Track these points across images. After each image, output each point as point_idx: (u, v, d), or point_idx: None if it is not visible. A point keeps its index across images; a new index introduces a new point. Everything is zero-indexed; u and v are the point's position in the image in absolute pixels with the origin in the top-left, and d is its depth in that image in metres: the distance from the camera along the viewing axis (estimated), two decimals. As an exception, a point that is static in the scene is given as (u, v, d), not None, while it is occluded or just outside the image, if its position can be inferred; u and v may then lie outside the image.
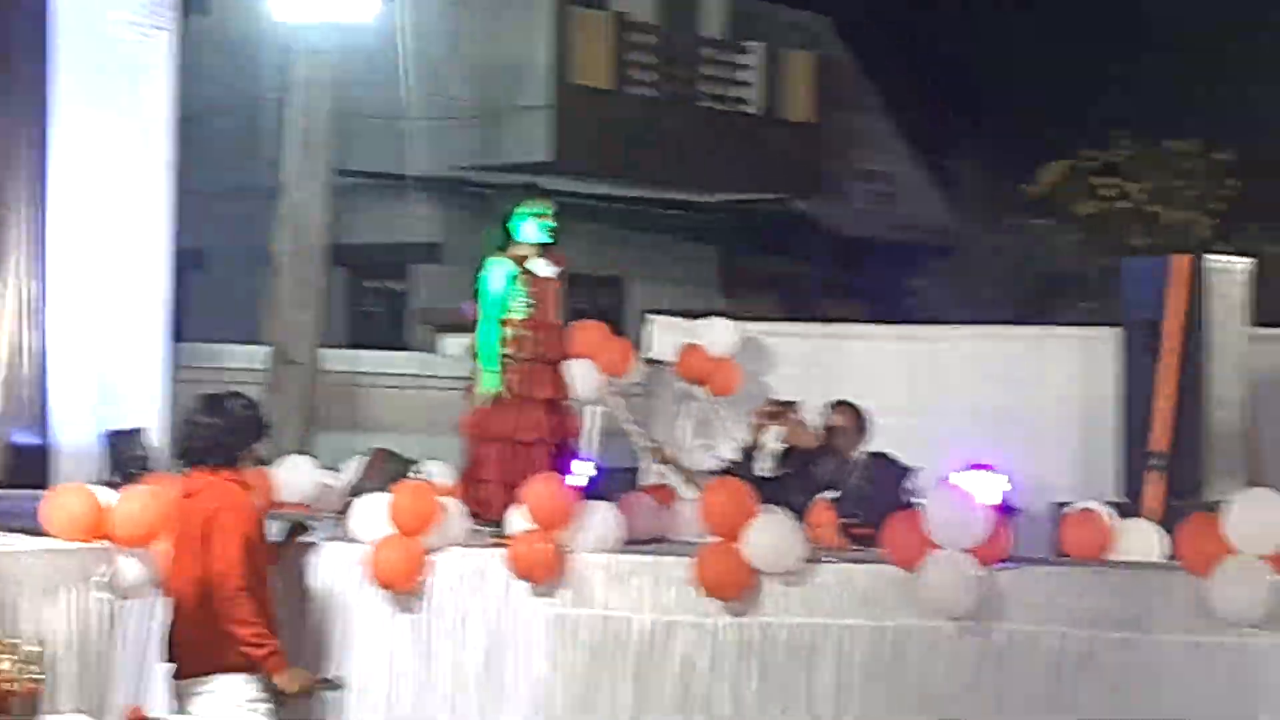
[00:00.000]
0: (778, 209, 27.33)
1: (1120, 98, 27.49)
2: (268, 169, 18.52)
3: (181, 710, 9.09)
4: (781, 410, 12.25)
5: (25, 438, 12.40)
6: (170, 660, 9.18)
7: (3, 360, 12.30)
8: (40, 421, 12.44)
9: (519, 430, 10.57)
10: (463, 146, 23.76)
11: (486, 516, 10.24)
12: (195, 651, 9.08)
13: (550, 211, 11.22)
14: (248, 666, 8.94)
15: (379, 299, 24.85)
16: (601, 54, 24.90)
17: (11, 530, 9.74)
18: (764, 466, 12.07)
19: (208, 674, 8.99)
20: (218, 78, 20.80)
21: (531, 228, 11.08)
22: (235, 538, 8.98)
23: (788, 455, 12.08)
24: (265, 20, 17.22)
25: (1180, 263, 13.39)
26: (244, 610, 8.93)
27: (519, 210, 11.26)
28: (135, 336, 12.86)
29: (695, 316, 14.84)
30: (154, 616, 9.91)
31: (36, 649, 8.58)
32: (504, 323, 10.77)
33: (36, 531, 9.69)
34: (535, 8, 24.65)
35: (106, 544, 9.67)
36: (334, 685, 9.55)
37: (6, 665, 8.13)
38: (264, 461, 9.93)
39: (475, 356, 10.87)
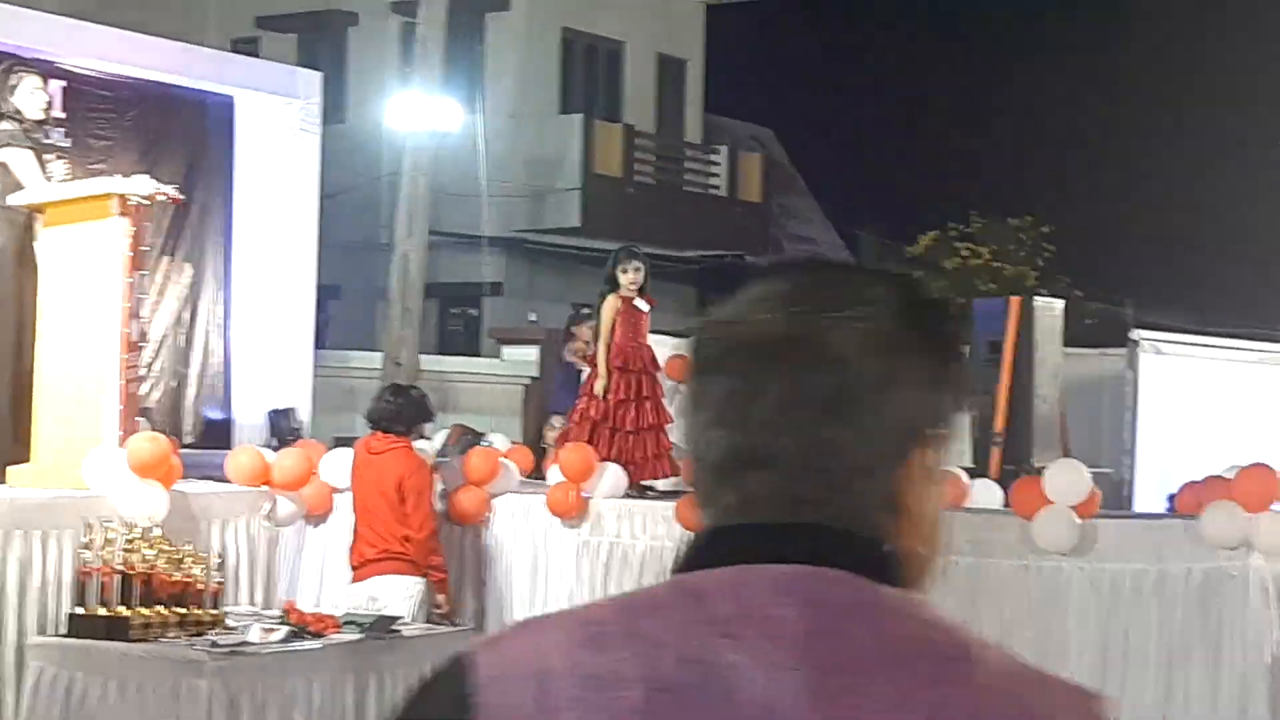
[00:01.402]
0: (736, 262, 27.33)
1: (976, 184, 27.52)
2: (383, 230, 18.50)
3: (371, 599, 8.90)
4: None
5: (214, 414, 12.39)
6: (359, 565, 9.05)
7: (200, 359, 12.30)
8: (225, 402, 12.42)
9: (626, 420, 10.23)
10: (518, 215, 23.77)
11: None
12: (376, 561, 9.00)
13: (646, 264, 10.54)
14: (417, 574, 8.89)
15: (459, 320, 24.81)
16: (615, 152, 24.88)
17: (204, 478, 9.74)
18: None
19: (382, 575, 8.92)
20: (350, 166, 20.77)
21: (624, 278, 10.38)
22: (426, 498, 9.00)
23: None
24: (382, 126, 17.23)
25: (1015, 302, 13.39)
26: (433, 547, 8.98)
27: (621, 262, 10.44)
28: (291, 345, 12.83)
29: (679, 335, 14.78)
30: (302, 539, 9.93)
31: (219, 560, 8.56)
32: (610, 344, 10.30)
33: (221, 479, 9.69)
34: (570, 120, 24.70)
35: (268, 488, 9.66)
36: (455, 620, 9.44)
37: (199, 571, 8.10)
38: (427, 437, 9.76)
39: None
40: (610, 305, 10.35)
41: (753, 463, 1.57)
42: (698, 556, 1.59)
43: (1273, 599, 8.29)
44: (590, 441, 10.06)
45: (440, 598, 8.97)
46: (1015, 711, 1.55)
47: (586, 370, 12.35)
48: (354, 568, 9.06)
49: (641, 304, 10.38)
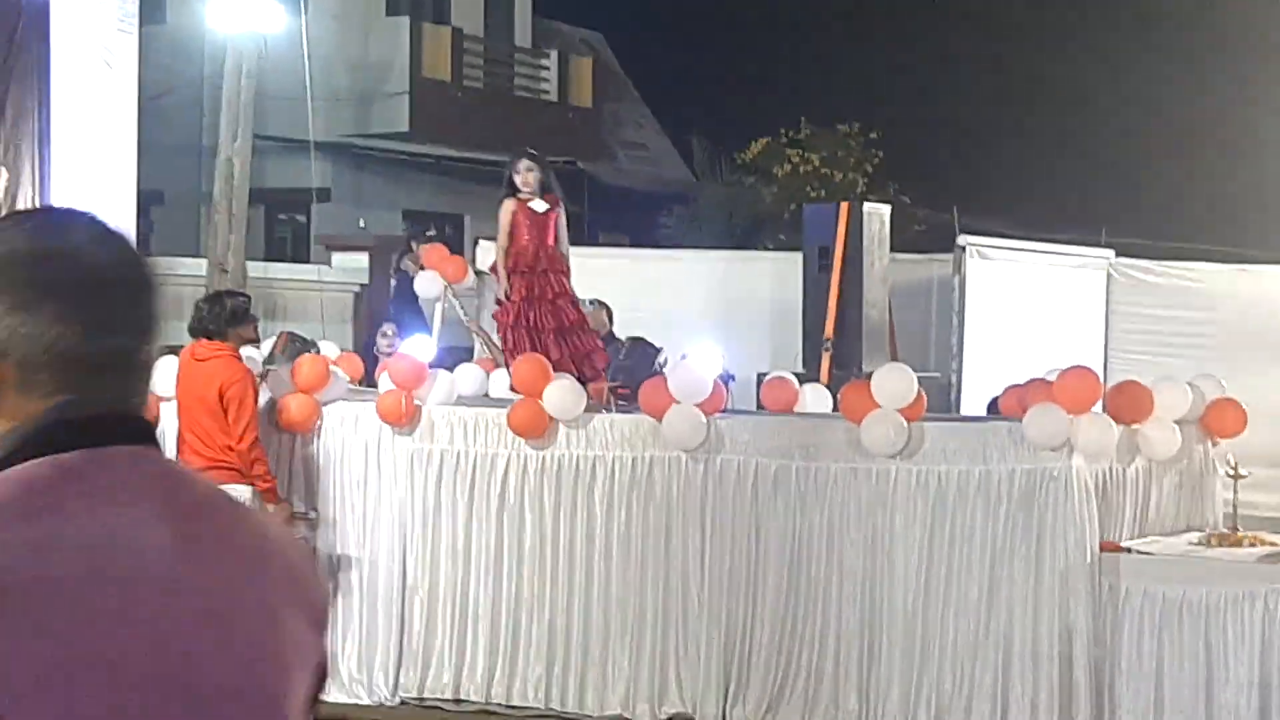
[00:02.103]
0: (568, 169, 27.22)
1: (803, 90, 27.64)
2: (206, 133, 18.14)
3: None
4: (597, 309, 11.96)
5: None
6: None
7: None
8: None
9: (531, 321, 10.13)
10: (346, 119, 23.48)
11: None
12: (203, 470, 8.87)
13: (542, 164, 10.42)
14: (243, 482, 8.82)
15: (287, 227, 24.49)
16: (443, 56, 24.65)
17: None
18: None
19: (229, 483, 8.65)
20: (171, 68, 20.33)
21: (519, 179, 10.28)
22: (248, 406, 8.90)
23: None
24: (204, 27, 16.87)
25: (844, 208, 13.47)
26: (256, 456, 8.89)
27: (510, 167, 10.36)
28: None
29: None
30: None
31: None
32: (509, 248, 10.21)
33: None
34: (397, 22, 24.40)
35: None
36: (306, 516, 9.41)
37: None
38: (251, 341, 9.60)
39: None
40: (505, 209, 10.28)
41: (115, 363, 1.98)
42: (57, 440, 1.92)
43: (1092, 498, 8.51)
44: (513, 345, 10.01)
45: (270, 507, 8.89)
46: (263, 531, 2.10)
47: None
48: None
49: (539, 205, 10.30)
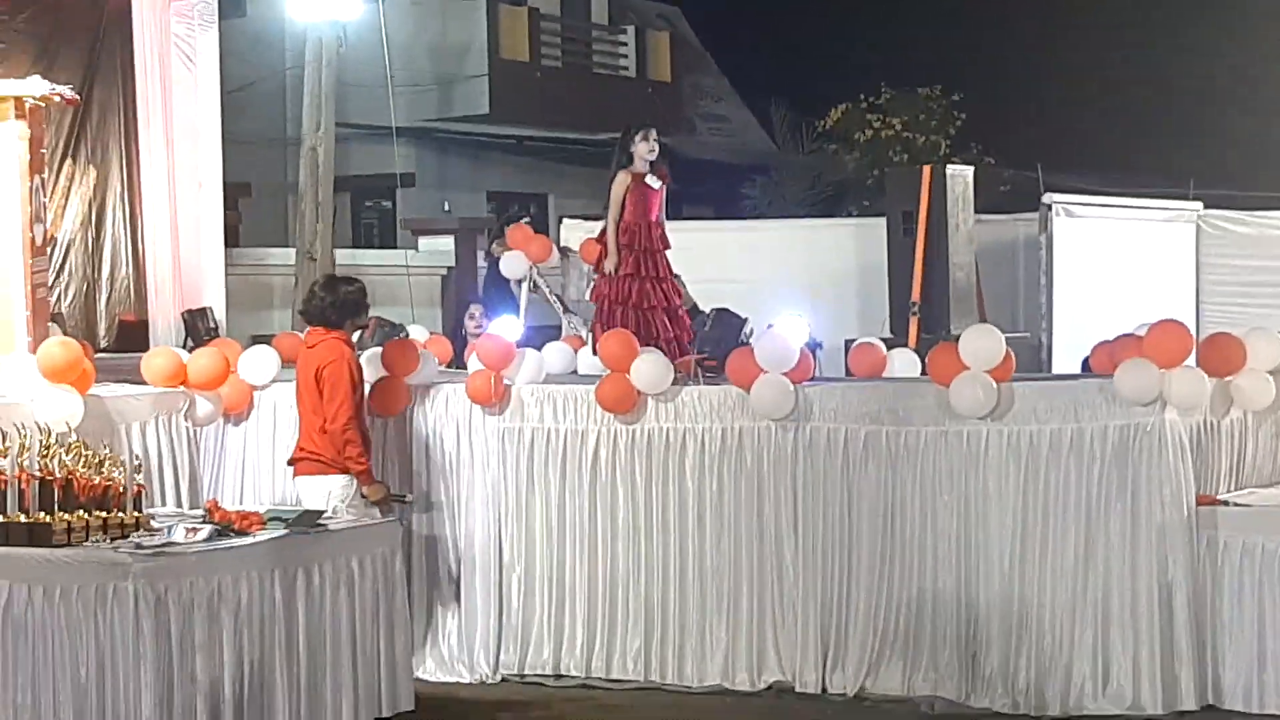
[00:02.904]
0: (627, 135, 27.21)
1: (882, 55, 27.48)
2: (291, 124, 18.30)
3: (298, 499, 8.97)
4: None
5: (128, 316, 12.28)
6: (290, 463, 9.07)
7: (110, 262, 12.17)
8: (138, 304, 12.31)
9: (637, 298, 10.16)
10: (427, 104, 23.58)
11: None
12: (298, 460, 9.00)
13: (656, 135, 10.38)
14: (349, 472, 8.88)
15: (373, 213, 24.63)
16: (521, 36, 24.68)
17: (121, 381, 9.67)
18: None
19: (320, 473, 8.90)
20: (252, 60, 20.50)
21: (643, 147, 10.28)
22: (342, 386, 8.86)
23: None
24: (284, 18, 17.01)
25: (926, 172, 13.42)
26: (349, 438, 8.85)
27: (630, 137, 10.27)
28: (203, 243, 12.69)
29: (593, 219, 14.75)
30: (223, 438, 9.87)
31: (139, 462, 8.52)
32: (620, 222, 10.19)
33: (139, 381, 9.62)
34: (474, 4, 24.44)
35: (184, 389, 9.59)
36: (403, 498, 9.42)
37: (119, 474, 8.05)
38: (364, 328, 9.66)
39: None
40: (620, 182, 10.27)
41: None
42: None
43: (1187, 452, 8.43)
44: (609, 321, 10.02)
45: (365, 489, 8.97)
46: None
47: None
48: (290, 463, 9.09)
49: (653, 181, 10.30)
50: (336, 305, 9.08)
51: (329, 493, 8.86)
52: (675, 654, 9.22)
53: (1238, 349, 8.80)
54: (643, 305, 10.16)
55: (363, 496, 8.95)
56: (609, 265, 10.25)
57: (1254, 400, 8.82)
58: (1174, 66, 30.86)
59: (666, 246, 10.32)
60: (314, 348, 9.03)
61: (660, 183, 10.30)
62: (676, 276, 11.25)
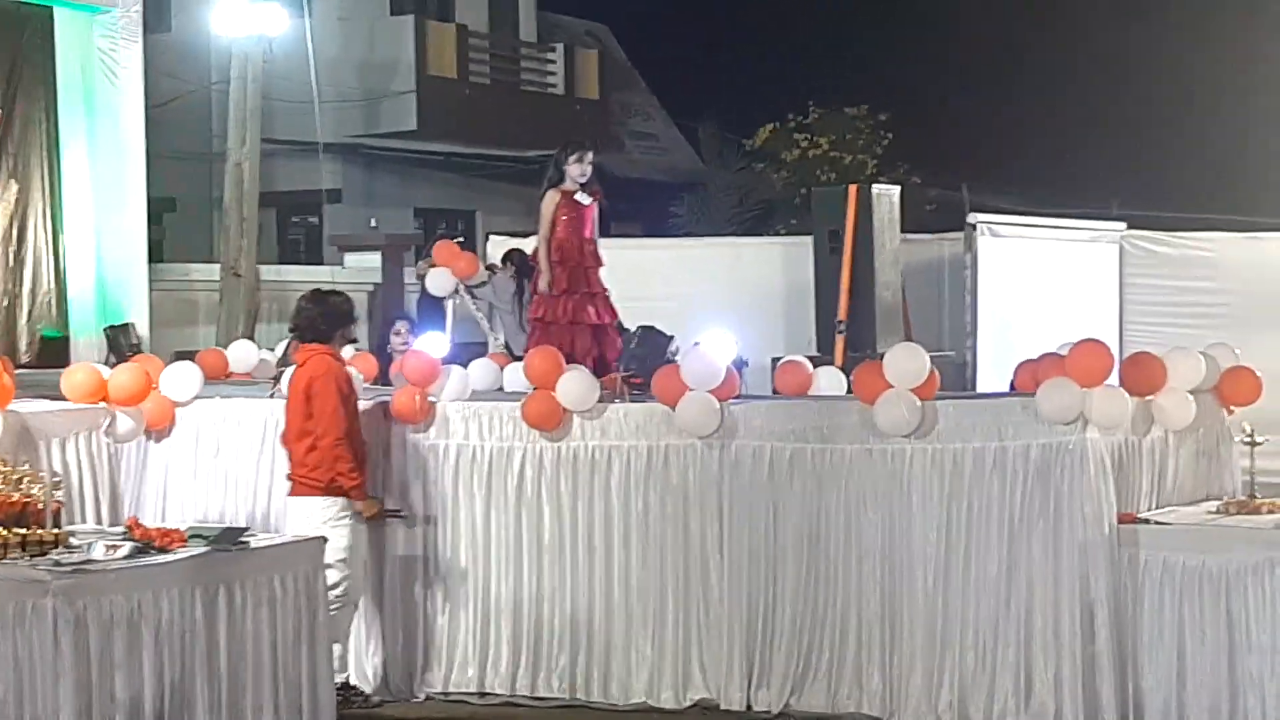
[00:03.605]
0: (560, 153, 27.24)
1: (810, 74, 27.61)
2: (216, 139, 18.19)
3: (288, 518, 8.90)
4: None
5: (50, 332, 12.19)
6: (288, 481, 8.96)
7: (31, 277, 12.08)
8: (60, 320, 12.22)
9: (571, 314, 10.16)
10: (354, 120, 23.52)
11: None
12: (291, 482, 8.90)
13: (590, 156, 10.37)
14: (340, 492, 8.78)
15: (300, 229, 24.52)
16: (449, 53, 24.65)
17: (44, 398, 9.58)
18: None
19: (309, 494, 8.80)
20: (177, 74, 20.37)
21: (575, 169, 10.29)
22: (330, 401, 8.75)
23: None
24: (209, 33, 16.92)
25: (853, 191, 13.46)
26: (339, 454, 8.74)
27: (564, 156, 10.29)
28: (127, 259, 12.63)
29: (520, 235, 14.75)
30: (145, 455, 9.79)
31: (58, 478, 8.43)
32: (551, 239, 10.19)
33: (59, 397, 9.53)
34: (401, 21, 24.42)
35: (105, 405, 9.51)
36: (398, 514, 9.35)
37: (37, 490, 7.97)
38: (354, 340, 9.53)
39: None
40: (550, 199, 10.26)
41: None
42: None
43: (1108, 471, 8.48)
44: (542, 339, 9.98)
45: (359, 505, 8.86)
46: None
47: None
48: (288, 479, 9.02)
49: (583, 198, 10.30)
50: (325, 316, 8.99)
51: (309, 515, 8.77)
52: (601, 672, 9.20)
53: (1159, 368, 8.86)
54: (577, 321, 10.16)
55: (356, 513, 8.88)
56: (543, 284, 10.24)
57: (1175, 419, 8.89)
58: (1099, 87, 31.18)
59: (599, 264, 10.32)
60: (302, 365, 8.94)
61: (591, 199, 10.30)
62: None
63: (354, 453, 8.85)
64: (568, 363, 9.54)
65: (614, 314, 10.47)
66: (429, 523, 9.47)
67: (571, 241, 10.20)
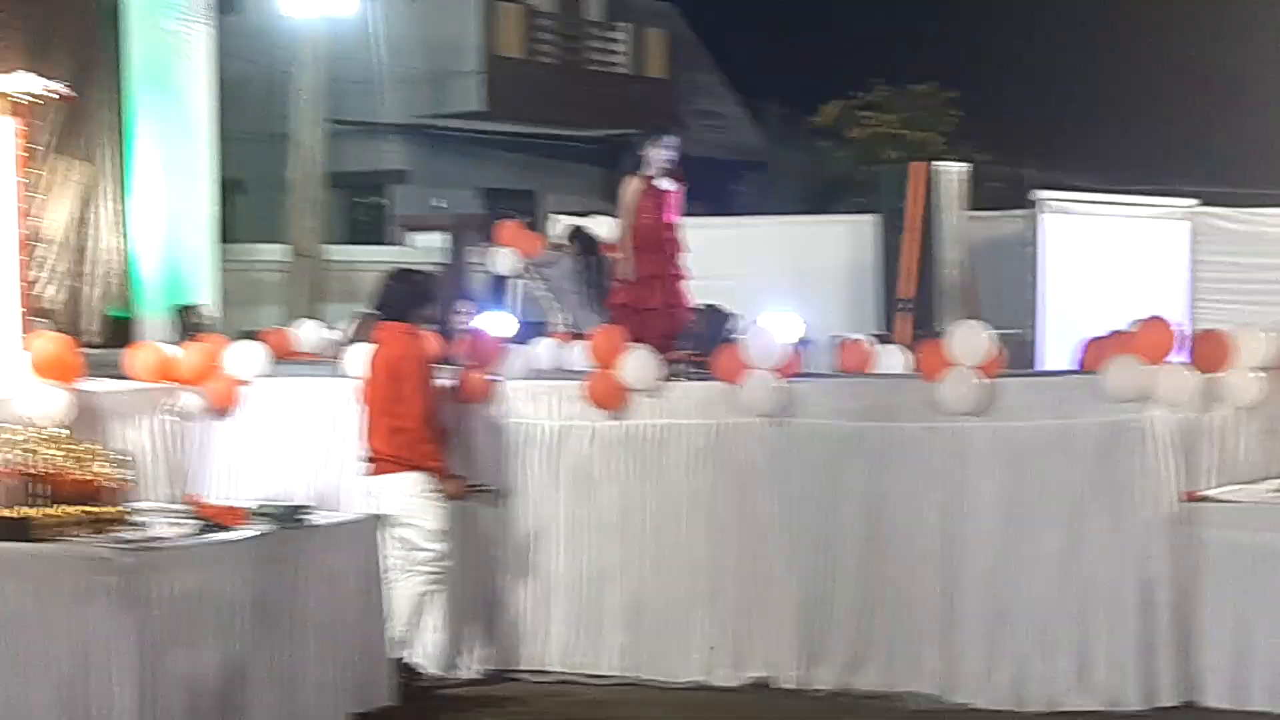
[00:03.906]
0: (643, 140, 27.18)
1: (877, 52, 27.45)
2: (282, 120, 18.29)
3: (371, 497, 8.85)
4: None
5: (118, 312, 12.28)
6: (367, 460, 8.90)
7: (100, 258, 12.17)
8: (129, 300, 12.31)
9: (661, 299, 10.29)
10: (420, 100, 23.56)
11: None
12: (373, 460, 8.85)
13: (674, 142, 10.53)
14: (425, 469, 8.75)
15: (365, 209, 24.62)
16: (515, 33, 24.66)
17: (112, 377, 9.67)
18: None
19: (395, 472, 8.76)
20: (247, 57, 20.47)
21: (658, 155, 10.44)
22: (415, 382, 8.70)
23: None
24: (277, 15, 16.99)
25: (918, 168, 13.44)
26: (423, 436, 8.70)
27: (646, 142, 10.47)
28: (195, 238, 12.72)
29: (580, 214, 14.78)
30: (210, 433, 9.86)
31: (127, 457, 8.52)
32: (634, 226, 10.30)
33: (126, 377, 9.62)
34: (468, 2, 24.41)
35: (172, 384, 9.59)
36: (485, 488, 9.28)
37: (105, 468, 8.06)
38: (432, 321, 9.39)
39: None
40: (633, 186, 10.33)
41: None
42: None
43: (1172, 449, 8.43)
44: (623, 325, 9.97)
45: (444, 485, 8.81)
46: None
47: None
48: (366, 460, 8.97)
49: (665, 183, 10.33)
50: (409, 294, 8.93)
51: (409, 492, 8.75)
52: (658, 649, 9.20)
53: (1225, 345, 8.81)
54: (657, 307, 10.19)
55: (447, 494, 8.85)
56: (624, 270, 10.28)
57: (1242, 396, 8.83)
58: (1168, 63, 30.83)
59: (680, 249, 10.39)
60: (385, 344, 8.88)
61: (674, 185, 10.34)
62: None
63: (436, 433, 8.83)
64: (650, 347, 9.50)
65: (685, 298, 10.49)
66: (490, 501, 9.50)
67: (653, 228, 10.25)
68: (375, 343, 8.97)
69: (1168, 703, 8.26)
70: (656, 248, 10.29)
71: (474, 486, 9.17)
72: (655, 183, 10.33)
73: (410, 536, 8.76)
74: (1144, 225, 15.42)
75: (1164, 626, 8.28)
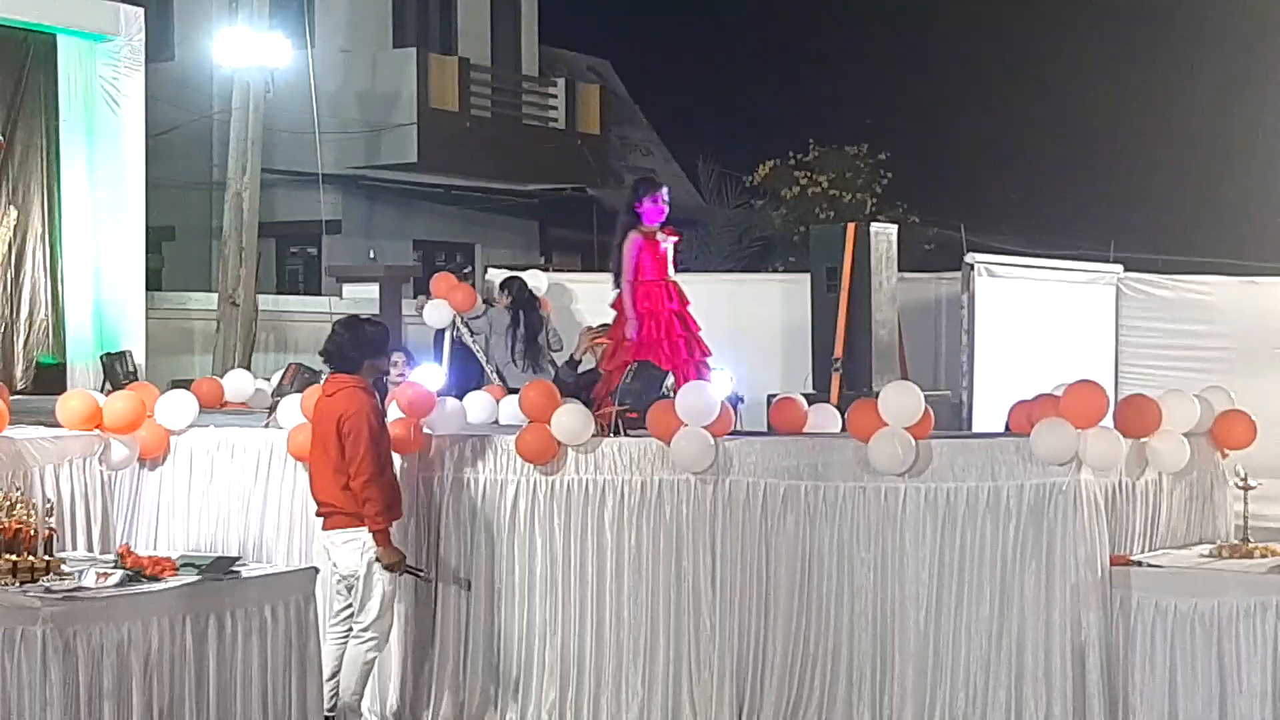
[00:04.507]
0: (575, 195, 27.28)
1: (813, 113, 27.69)
2: (216, 169, 18.22)
3: (327, 555, 8.75)
4: (601, 332, 11.60)
5: (46, 359, 12.20)
6: (319, 515, 8.76)
7: (29, 304, 12.10)
8: (58, 347, 12.24)
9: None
10: (354, 151, 23.54)
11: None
12: (324, 515, 8.71)
13: (667, 193, 10.44)
14: (360, 525, 8.57)
15: (299, 259, 24.53)
16: (451, 86, 24.67)
17: (39, 424, 9.58)
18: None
19: (348, 526, 8.60)
20: (179, 103, 20.41)
21: (653, 208, 10.39)
22: (363, 439, 8.46)
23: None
24: (211, 63, 16.96)
25: (851, 229, 13.46)
26: (369, 495, 8.50)
27: (646, 192, 10.36)
28: (125, 287, 12.65)
29: (519, 269, 14.78)
30: (138, 483, 9.78)
31: (50, 505, 8.43)
32: (636, 284, 10.26)
33: (54, 424, 9.54)
34: (404, 54, 24.46)
35: (100, 432, 9.51)
36: (419, 572, 9.12)
37: (30, 517, 7.97)
38: (385, 372, 9.22)
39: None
40: (632, 243, 10.30)
41: None
42: None
43: (1102, 512, 8.49)
44: (623, 379, 9.92)
45: (379, 551, 8.59)
46: None
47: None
48: (319, 514, 8.83)
49: (663, 238, 10.31)
50: (357, 344, 8.71)
51: (354, 548, 8.64)
52: (591, 705, 9.19)
53: (1153, 410, 8.88)
54: (680, 360, 10.24)
55: (382, 561, 8.64)
56: (629, 330, 10.24)
57: (1169, 461, 8.90)
58: (1099, 130, 31.25)
59: (687, 302, 10.42)
60: (333, 396, 8.65)
61: (670, 239, 10.33)
62: (603, 326, 11.29)
63: (383, 492, 8.57)
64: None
65: (705, 350, 10.49)
66: (420, 555, 9.45)
67: (658, 285, 10.25)
68: (324, 394, 8.78)
69: (1099, 762, 8.31)
70: (661, 307, 10.23)
71: (409, 567, 8.98)
72: (654, 237, 10.30)
73: (361, 598, 8.70)
74: (1072, 290, 15.55)
75: (1095, 689, 8.32)
